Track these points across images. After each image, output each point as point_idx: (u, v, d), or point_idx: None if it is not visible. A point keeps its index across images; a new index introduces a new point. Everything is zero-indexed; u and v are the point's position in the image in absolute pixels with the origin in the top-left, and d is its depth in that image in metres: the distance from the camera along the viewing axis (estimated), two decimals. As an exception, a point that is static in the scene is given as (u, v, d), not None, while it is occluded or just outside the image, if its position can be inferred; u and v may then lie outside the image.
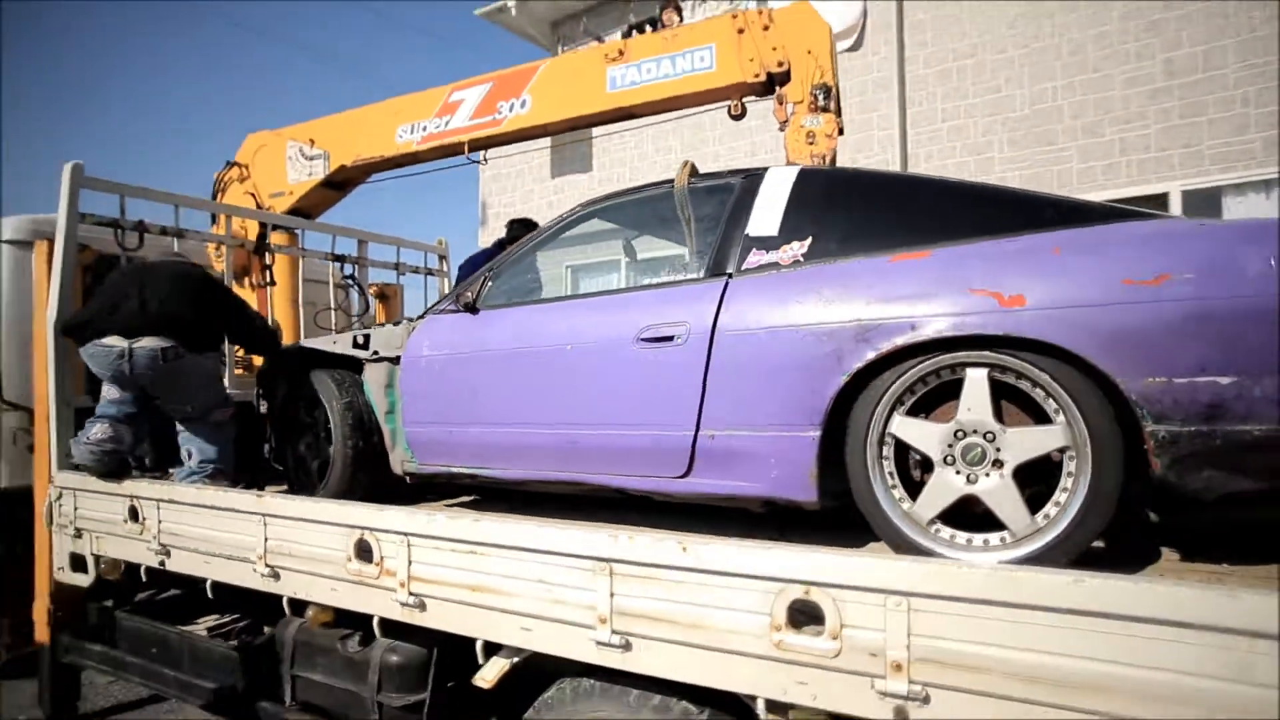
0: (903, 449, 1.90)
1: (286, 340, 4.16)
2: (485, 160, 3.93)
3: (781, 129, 3.04)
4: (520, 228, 4.25)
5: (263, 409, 3.38)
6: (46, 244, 3.50)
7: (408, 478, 2.87)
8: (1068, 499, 1.72)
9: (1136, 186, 5.45)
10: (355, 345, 2.94)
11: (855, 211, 2.19)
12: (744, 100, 3.24)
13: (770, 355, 2.02)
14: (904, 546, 1.83)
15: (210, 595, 2.63)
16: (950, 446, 1.82)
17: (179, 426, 3.10)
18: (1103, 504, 1.68)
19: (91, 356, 2.96)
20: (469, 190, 10.19)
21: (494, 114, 3.66)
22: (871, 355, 1.87)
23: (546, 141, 8.70)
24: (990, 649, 1.31)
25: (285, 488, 3.11)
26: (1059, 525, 1.71)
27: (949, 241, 1.95)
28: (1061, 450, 1.73)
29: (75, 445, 2.92)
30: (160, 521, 2.71)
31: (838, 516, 2.10)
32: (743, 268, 2.18)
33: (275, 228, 4.32)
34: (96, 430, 2.87)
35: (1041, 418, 1.77)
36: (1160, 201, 5.38)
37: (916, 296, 1.86)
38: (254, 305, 4.31)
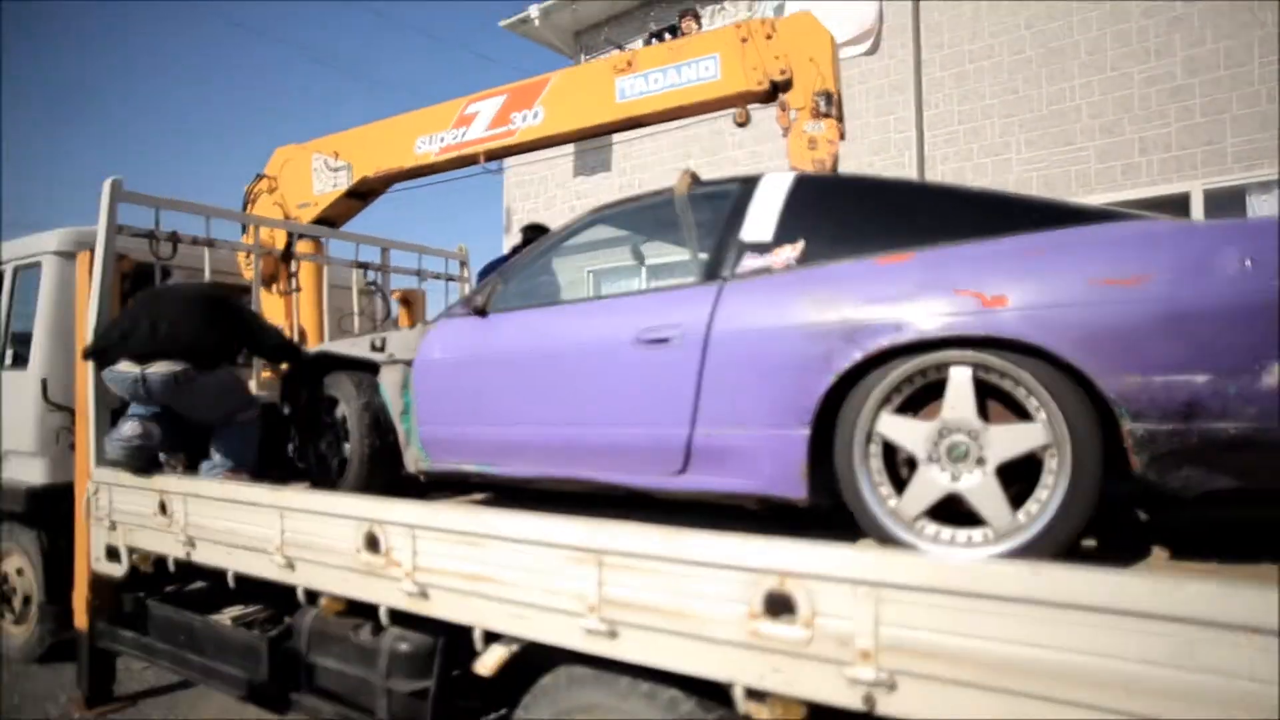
0: (891, 447, 1.94)
1: (311, 344, 4.31)
2: (501, 169, 4.04)
3: (784, 135, 3.09)
4: (534, 233, 4.36)
5: (286, 410, 3.52)
6: (88, 255, 3.70)
7: (421, 475, 2.98)
8: (1049, 496, 1.76)
9: (1157, 187, 5.39)
10: (372, 348, 3.06)
11: (847, 216, 2.24)
12: (748, 108, 3.29)
13: (762, 356, 2.08)
14: (889, 541, 1.88)
15: (233, 586, 2.76)
16: (935, 444, 1.86)
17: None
18: (1082, 501, 1.71)
19: (111, 380, 3.16)
20: (494, 197, 10.37)
21: (508, 125, 3.77)
22: (859, 356, 1.92)
23: (570, 148, 8.85)
24: (954, 638, 1.36)
25: (307, 485, 3.25)
26: (1040, 522, 1.74)
27: (937, 244, 2.00)
28: (1043, 448, 1.76)
29: (108, 442, 3.09)
30: (187, 515, 2.85)
31: (833, 513, 2.15)
32: (737, 271, 2.24)
33: (301, 236, 4.48)
34: (128, 428, 3.04)
35: (1026, 416, 1.81)
36: (1182, 201, 5.31)
37: (902, 298, 1.91)
38: (281, 311, 4.50)
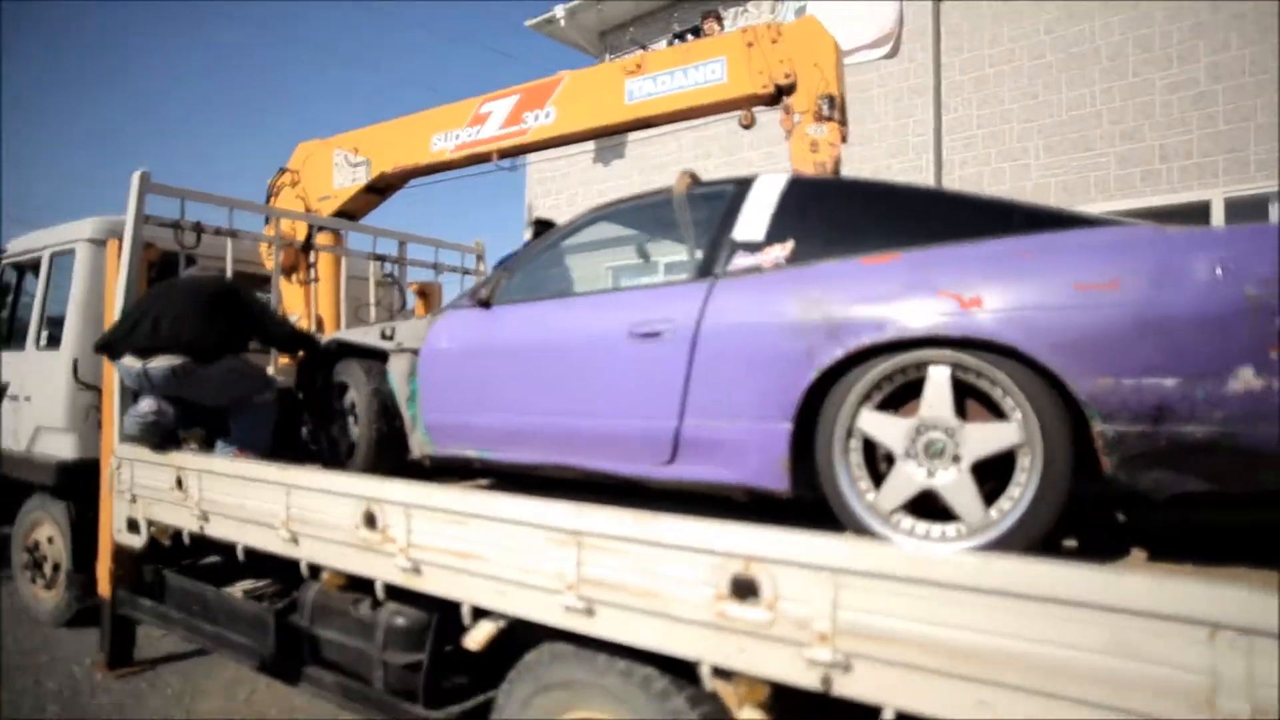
0: (871, 442, 1.99)
1: (328, 332, 4.45)
2: (515, 167, 4.14)
3: (787, 138, 3.14)
4: (542, 227, 4.44)
5: (301, 395, 3.65)
6: (118, 242, 3.87)
7: (426, 460, 3.07)
8: (1021, 494, 1.79)
9: (1177, 194, 5.33)
10: (383, 337, 3.17)
11: (837, 217, 2.29)
12: (754, 110, 3.35)
13: (748, 351, 2.14)
14: (865, 534, 1.93)
15: (242, 559, 2.88)
16: (913, 441, 1.91)
17: None
18: (1052, 499, 1.74)
19: (119, 372, 3.33)
20: (517, 193, 10.51)
21: (521, 124, 3.86)
22: (840, 353, 1.97)
23: (589, 145, 8.94)
24: (906, 624, 1.42)
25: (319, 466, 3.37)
26: (1010, 518, 1.78)
27: (923, 246, 2.04)
28: (1017, 447, 1.80)
29: (127, 418, 3.26)
30: (202, 490, 2.98)
31: (817, 506, 2.20)
32: (728, 269, 2.31)
33: (321, 229, 4.62)
34: (144, 405, 3.19)
35: (1003, 416, 1.84)
36: (1202, 210, 5.25)
37: (884, 298, 1.95)
38: (301, 300, 4.64)
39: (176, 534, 3.29)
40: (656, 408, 2.30)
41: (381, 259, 4.93)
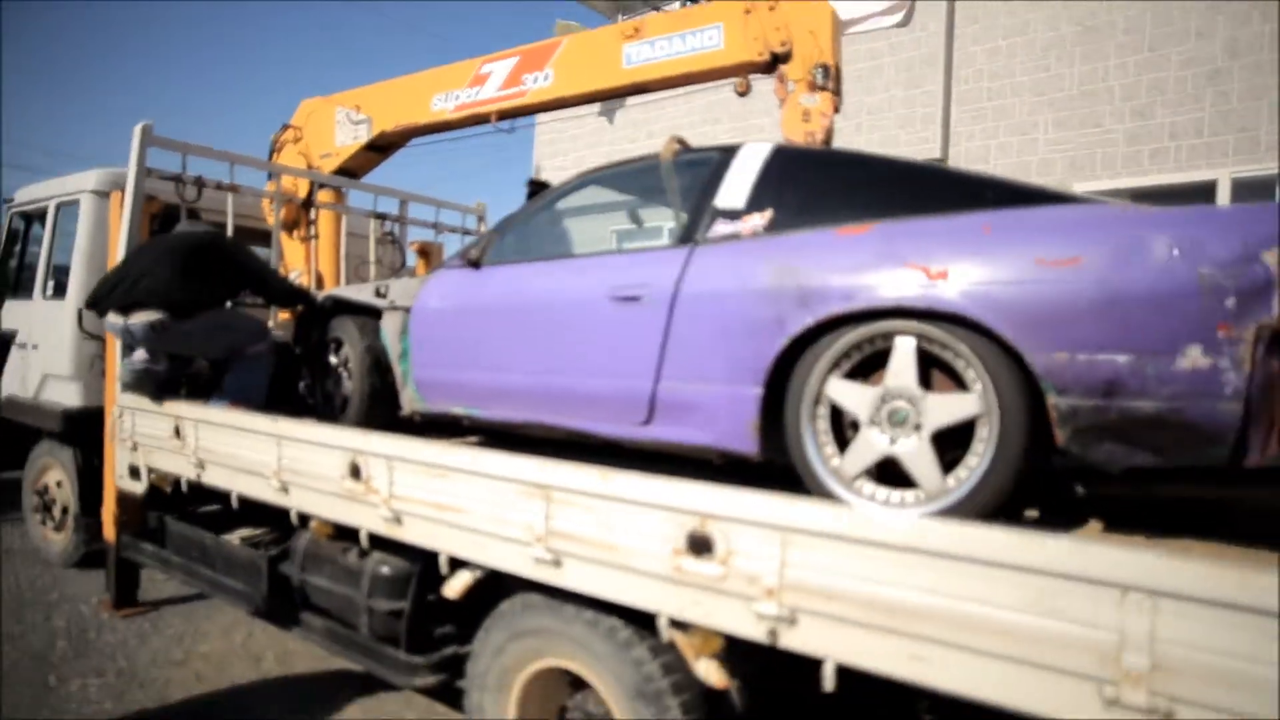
0: (839, 410, 2.04)
1: (327, 289, 4.51)
2: (513, 129, 4.14)
3: (781, 106, 3.14)
4: (537, 188, 4.46)
5: (298, 350, 3.73)
6: (121, 195, 3.92)
7: (416, 416, 3.15)
8: (977, 463, 1.84)
9: (1184, 173, 5.27)
10: (376, 294, 3.22)
11: (817, 188, 2.31)
12: (750, 78, 3.34)
13: (722, 317, 2.18)
14: (829, 498, 1.99)
15: (236, 506, 2.98)
16: (877, 409, 1.95)
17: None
18: (1005, 469, 1.79)
19: (106, 327, 3.43)
20: (527, 154, 10.49)
21: (519, 86, 3.86)
22: (810, 321, 2.01)
23: (596, 108, 8.87)
24: (848, 581, 1.48)
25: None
26: (965, 487, 1.83)
27: (898, 218, 2.07)
28: (976, 418, 1.85)
29: (121, 368, 3.37)
30: (198, 439, 3.08)
31: (787, 469, 2.26)
32: (708, 236, 2.34)
33: (323, 186, 4.66)
34: (137, 355, 3.30)
35: (966, 387, 1.89)
36: (1208, 189, 5.19)
37: (855, 268, 1.99)
38: (301, 256, 4.70)
39: (176, 481, 3.40)
40: (634, 369, 2.35)
41: (382, 217, 4.97)
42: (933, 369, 1.95)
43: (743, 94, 3.39)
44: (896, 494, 1.95)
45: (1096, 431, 1.73)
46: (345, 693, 3.15)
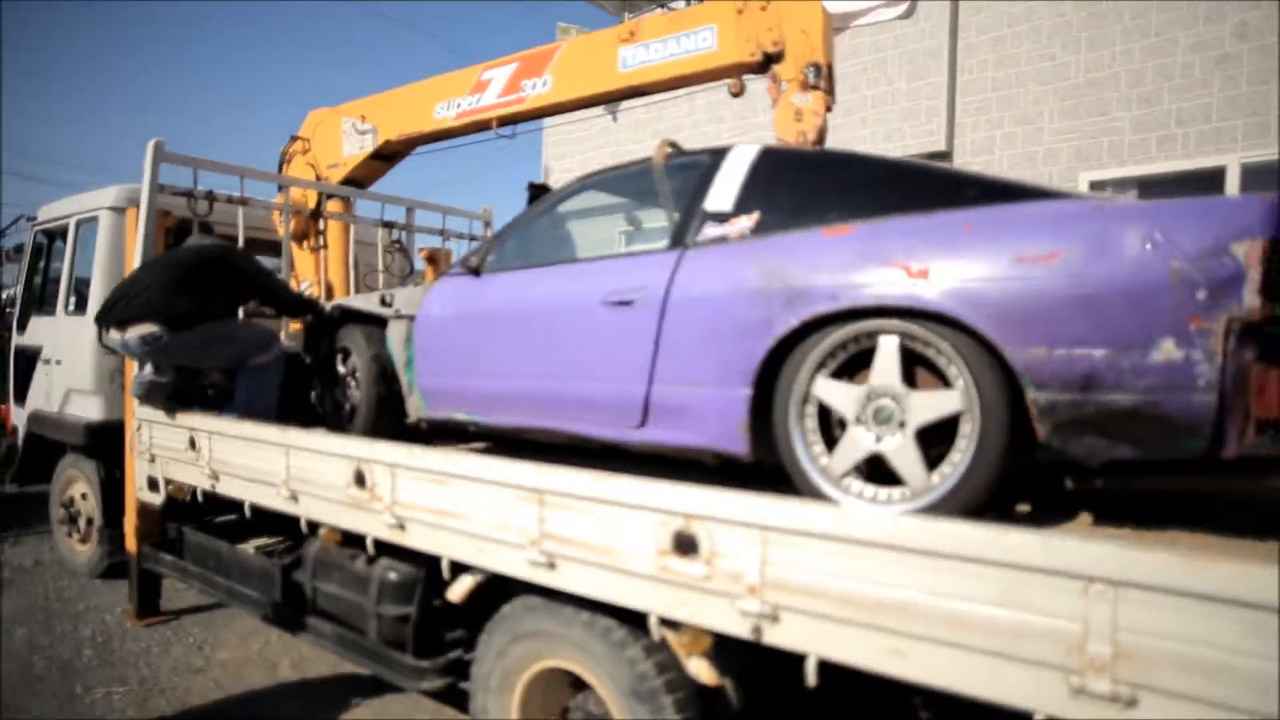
0: (827, 409, 2.07)
1: (338, 297, 4.60)
2: (514, 135, 4.20)
3: (773, 106, 3.16)
4: (538, 191, 4.51)
5: (308, 359, 3.81)
6: (136, 210, 4.03)
7: (422, 424, 3.22)
8: (961, 459, 1.86)
9: (1192, 159, 5.20)
10: (382, 304, 3.29)
11: (803, 188, 2.34)
12: (743, 78, 3.36)
13: (712, 319, 2.22)
14: (818, 496, 2.02)
15: (249, 515, 3.07)
16: (863, 407, 1.98)
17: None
18: (987, 464, 1.81)
19: (108, 343, 3.54)
20: (536, 157, 10.58)
21: (519, 92, 3.91)
22: (796, 321, 2.04)
23: (601, 110, 8.92)
24: (828, 578, 1.52)
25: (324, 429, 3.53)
26: (949, 483, 1.85)
27: (881, 217, 2.09)
28: (959, 414, 1.87)
29: (133, 381, 3.49)
30: (212, 451, 3.17)
31: (779, 469, 2.29)
32: (698, 239, 2.37)
33: (331, 196, 4.75)
34: (147, 370, 3.41)
35: (950, 384, 1.91)
36: (1217, 176, 5.13)
37: (839, 268, 2.01)
38: (311, 266, 4.79)
39: (194, 492, 3.50)
40: (628, 373, 2.40)
41: (389, 225, 5.06)
42: (917, 367, 1.97)
43: (737, 94, 3.42)
44: (884, 491, 1.97)
45: (1076, 425, 1.74)
46: (356, 695, 3.23)
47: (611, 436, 2.52)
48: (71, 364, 4.80)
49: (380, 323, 3.31)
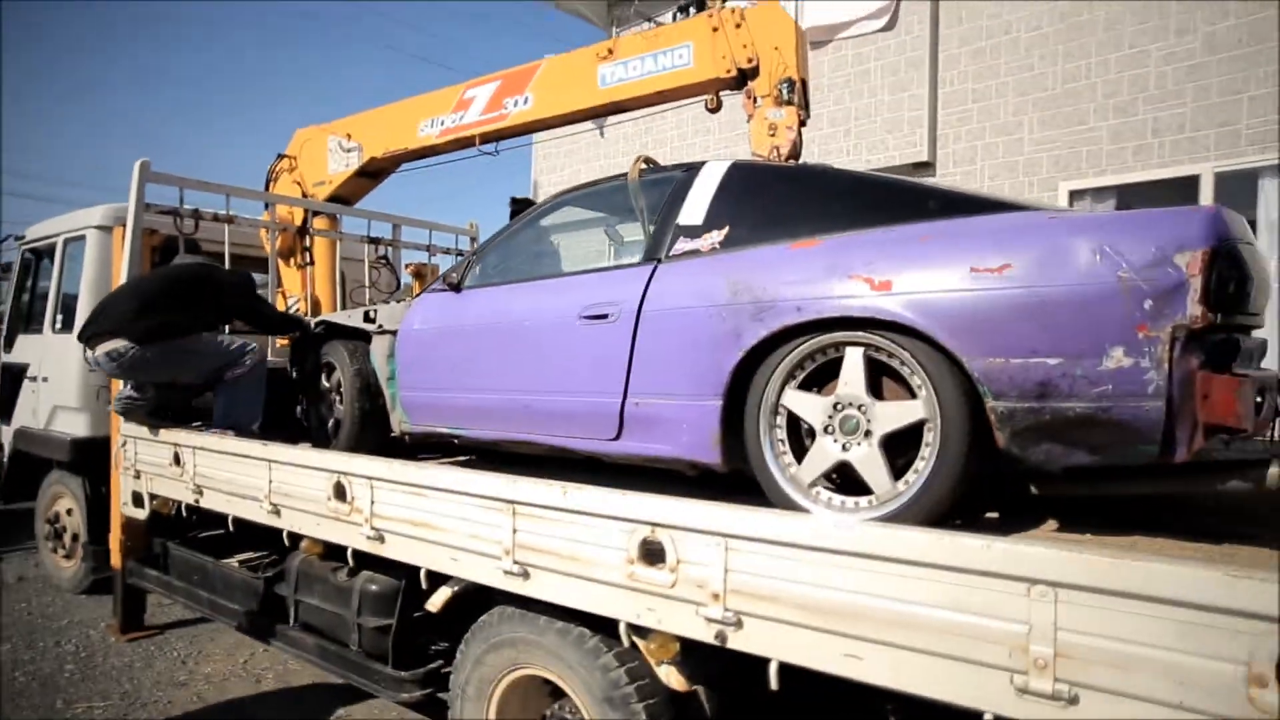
0: (797, 419, 2.11)
1: (325, 313, 4.63)
2: (497, 152, 4.25)
3: (749, 121, 3.22)
4: (522, 206, 4.57)
5: (294, 374, 3.84)
6: (123, 229, 4.07)
7: (405, 437, 3.25)
8: (924, 467, 1.91)
9: (1168, 168, 5.28)
10: (365, 319, 3.33)
11: (771, 202, 2.39)
12: (720, 94, 3.43)
13: (683, 332, 2.26)
14: (787, 505, 2.05)
15: (232, 529, 3.09)
16: (830, 417, 2.03)
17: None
18: (949, 472, 1.85)
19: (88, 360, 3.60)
20: (526, 171, 10.65)
21: (501, 110, 3.97)
22: (764, 333, 2.08)
23: (589, 124, 9.00)
24: (786, 584, 1.55)
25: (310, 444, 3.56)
26: (913, 490, 1.90)
27: (847, 230, 2.14)
28: (923, 423, 1.91)
29: (115, 398, 3.54)
30: (196, 466, 3.19)
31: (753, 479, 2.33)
32: (671, 253, 2.42)
33: (317, 213, 4.79)
34: (127, 387, 3.45)
35: (915, 394, 1.95)
36: (1192, 184, 5.21)
37: (805, 281, 2.06)
38: (298, 283, 4.83)
39: (179, 508, 3.52)
40: (603, 386, 2.44)
41: (375, 242, 5.10)
42: (884, 377, 2.02)
43: (713, 110, 3.48)
44: (851, 500, 2.01)
45: (1034, 432, 1.79)
46: (337, 702, 3.25)
47: (589, 448, 2.55)
48: (58, 381, 4.82)
49: (364, 338, 3.34)
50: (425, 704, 2.60)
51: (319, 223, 4.86)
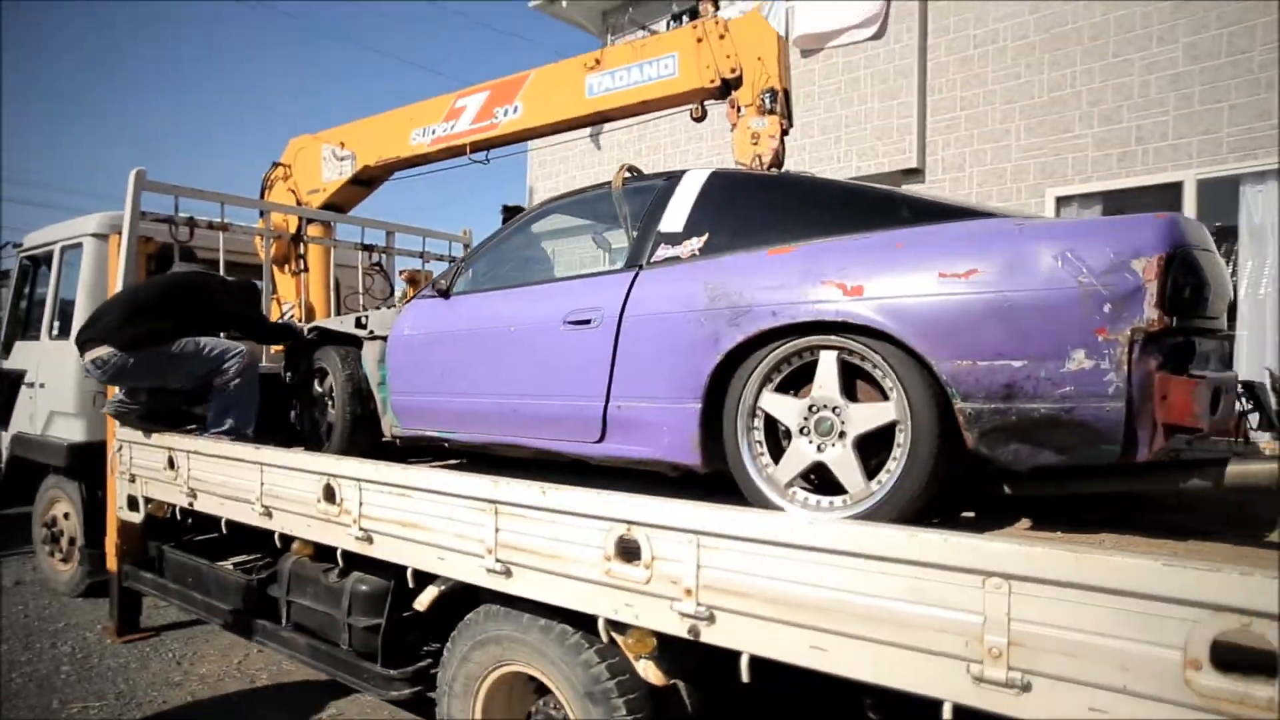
0: (775, 420, 2.16)
1: (320, 319, 4.68)
2: (488, 160, 4.32)
3: (732, 130, 3.29)
4: (513, 213, 4.63)
5: (289, 379, 3.89)
6: (119, 237, 4.12)
7: (396, 441, 3.30)
8: (896, 467, 1.96)
9: (1152, 175, 5.36)
10: (358, 325, 3.39)
11: (749, 210, 2.45)
12: (704, 104, 3.49)
13: (663, 337, 2.32)
14: (765, 505, 2.11)
15: (225, 532, 3.14)
16: (806, 419, 2.08)
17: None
18: (919, 471, 1.90)
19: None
20: (521, 177, 10.74)
21: (491, 118, 4.04)
22: (740, 338, 2.14)
23: (585, 131, 9.08)
24: (755, 579, 1.60)
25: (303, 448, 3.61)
26: (884, 489, 1.95)
27: (820, 236, 2.20)
28: (895, 424, 1.97)
29: (108, 401, 3.63)
30: (190, 469, 3.24)
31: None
32: (652, 260, 2.48)
33: (311, 221, 4.85)
34: (120, 391, 3.52)
35: (887, 396, 2.01)
36: (1175, 191, 5.28)
37: (780, 286, 2.12)
38: (293, 289, 4.88)
39: (174, 511, 3.56)
40: (587, 390, 2.49)
41: (369, 249, 5.16)
42: (858, 380, 2.07)
43: (698, 120, 3.54)
44: (826, 499, 2.06)
45: (1001, 433, 1.84)
46: (328, 699, 3.29)
47: (574, 451, 2.61)
48: (55, 387, 4.86)
49: (356, 343, 3.40)
50: (414, 702, 2.65)
51: (313, 230, 4.92)
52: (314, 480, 2.61)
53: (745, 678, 1.64)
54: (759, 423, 2.17)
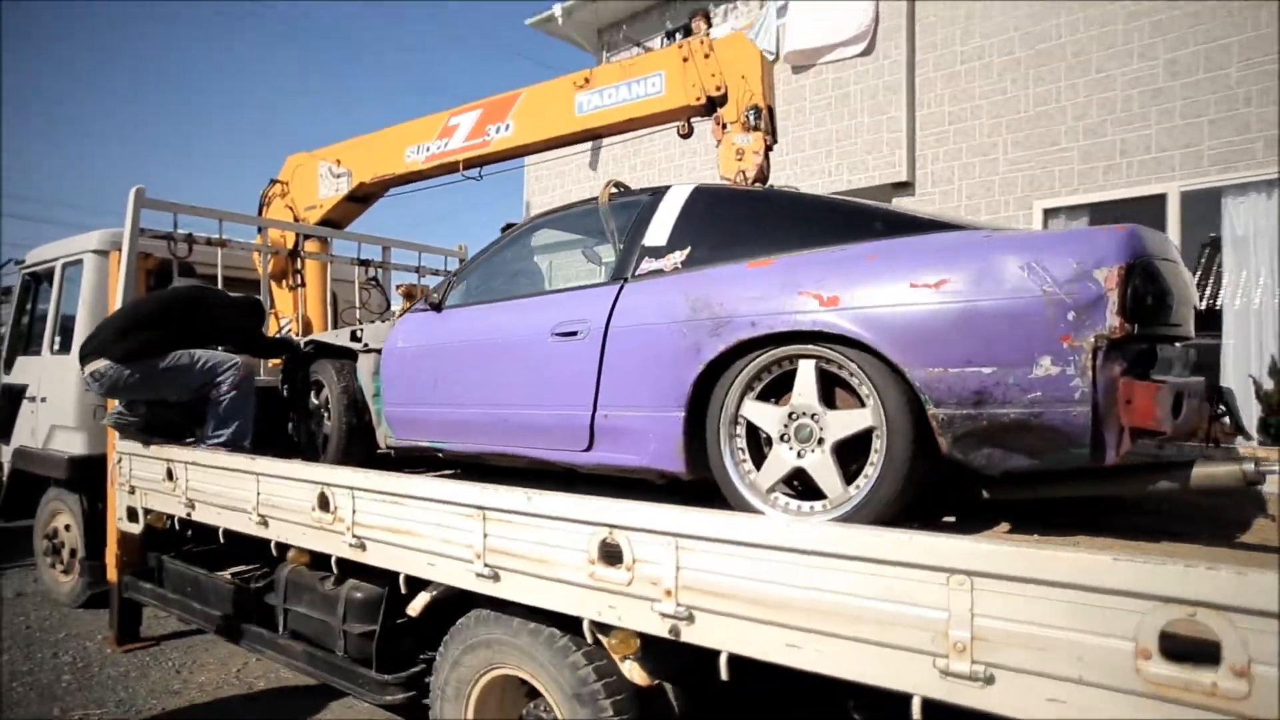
0: (757, 428, 2.22)
1: (316, 333, 4.75)
2: (480, 177, 4.40)
3: (717, 146, 3.37)
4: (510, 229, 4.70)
5: (286, 392, 3.95)
6: (119, 253, 4.20)
7: (391, 452, 3.36)
8: (873, 472, 2.02)
9: (1135, 188, 5.45)
10: (352, 339, 3.46)
11: (730, 224, 2.52)
12: (691, 120, 3.58)
13: (648, 347, 2.38)
14: (747, 510, 2.16)
15: (223, 541, 3.19)
16: (786, 426, 2.14)
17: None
18: (895, 476, 1.96)
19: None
20: (518, 193, 10.85)
21: (483, 136, 4.13)
22: (722, 347, 2.21)
23: (583, 146, 9.20)
24: (732, 580, 1.66)
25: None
26: (862, 494, 2.01)
27: (800, 249, 2.27)
28: (871, 430, 2.03)
29: (108, 414, 3.69)
30: (188, 480, 3.30)
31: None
32: (637, 273, 2.55)
33: (308, 237, 4.94)
34: (120, 404, 3.62)
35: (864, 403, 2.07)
36: (1159, 203, 5.37)
37: (759, 297, 2.19)
38: (290, 304, 4.95)
39: (173, 522, 3.62)
40: (574, 400, 2.55)
41: (365, 264, 5.24)
42: (836, 387, 2.14)
43: (685, 136, 3.63)
44: (806, 504, 2.12)
45: (973, 438, 1.90)
46: (323, 703, 3.32)
47: (563, 459, 2.67)
48: (56, 401, 4.92)
49: (351, 356, 3.46)
50: (408, 706, 2.69)
51: (310, 246, 5.00)
52: (309, 489, 2.67)
53: (724, 675, 1.69)
54: (741, 430, 2.23)
